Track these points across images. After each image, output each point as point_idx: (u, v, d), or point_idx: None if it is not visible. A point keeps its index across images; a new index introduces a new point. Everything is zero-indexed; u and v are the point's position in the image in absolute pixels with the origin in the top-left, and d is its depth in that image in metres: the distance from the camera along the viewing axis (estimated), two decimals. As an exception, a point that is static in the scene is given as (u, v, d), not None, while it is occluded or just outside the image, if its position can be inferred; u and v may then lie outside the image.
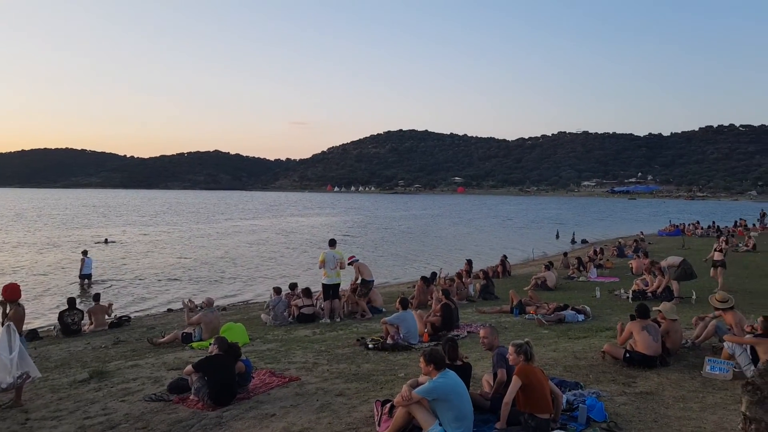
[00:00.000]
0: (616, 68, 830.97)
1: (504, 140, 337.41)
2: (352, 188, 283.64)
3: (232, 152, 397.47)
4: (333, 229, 52.77)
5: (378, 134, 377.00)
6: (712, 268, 16.44)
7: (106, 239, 37.97)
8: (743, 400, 4.69)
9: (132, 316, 15.97)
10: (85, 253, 22.58)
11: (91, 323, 13.88)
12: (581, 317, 11.78)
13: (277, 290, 14.08)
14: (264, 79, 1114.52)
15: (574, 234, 42.36)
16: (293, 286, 15.32)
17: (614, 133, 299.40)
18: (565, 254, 25.28)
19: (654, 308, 8.57)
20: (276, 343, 10.61)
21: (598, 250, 26.02)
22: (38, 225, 54.31)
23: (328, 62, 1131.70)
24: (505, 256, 23.58)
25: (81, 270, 21.93)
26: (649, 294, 14.55)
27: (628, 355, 7.59)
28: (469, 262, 19.75)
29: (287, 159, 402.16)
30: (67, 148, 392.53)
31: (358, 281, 14.05)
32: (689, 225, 43.07)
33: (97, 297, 14.96)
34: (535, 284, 17.37)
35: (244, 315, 15.33)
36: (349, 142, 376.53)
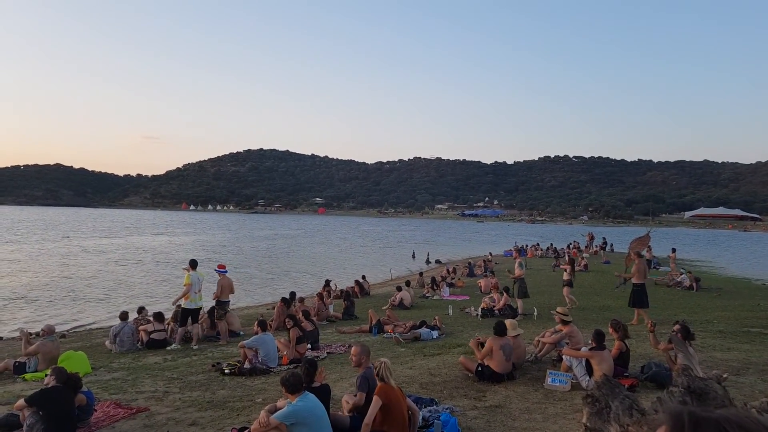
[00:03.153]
0: (465, 99, 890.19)
1: (363, 163, 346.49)
2: (210, 207, 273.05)
3: (76, 166, 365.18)
4: (190, 250, 50.27)
5: (237, 152, 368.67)
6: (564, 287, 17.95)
7: None
8: (584, 412, 5.17)
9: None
10: None
11: None
12: (435, 334, 12.32)
13: (123, 316, 13.07)
14: (113, 87, 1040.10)
15: (428, 254, 44.24)
16: (140, 310, 14.34)
17: (464, 160, 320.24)
18: (421, 274, 26.36)
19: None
20: (122, 372, 9.86)
21: (450, 269, 27.41)
22: None
23: (184, 73, 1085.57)
24: (363, 276, 24.03)
25: None
26: (496, 311, 15.60)
27: (480, 369, 8.06)
28: (327, 283, 19.85)
29: (138, 175, 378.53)
30: None
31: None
32: (530, 247, 46.85)
33: None
34: (393, 304, 17.88)
35: (86, 342, 14.00)
36: (206, 159, 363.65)
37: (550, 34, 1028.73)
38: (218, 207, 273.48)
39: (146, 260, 39.96)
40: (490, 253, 39.78)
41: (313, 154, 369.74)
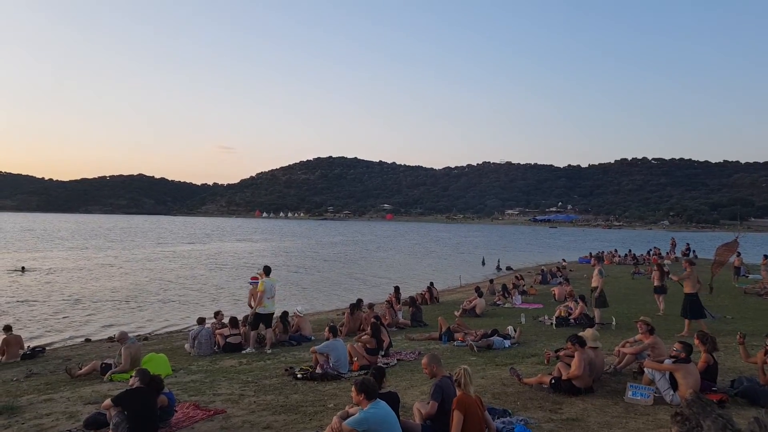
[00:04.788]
0: (536, 101, 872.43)
1: (431, 169, 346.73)
2: (281, 214, 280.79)
3: (157, 176, 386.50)
4: (267, 255, 52.00)
5: (307, 160, 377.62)
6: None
7: (23, 267, 35.52)
8: (673, 431, 4.85)
9: (46, 347, 14.96)
10: None
11: (3, 355, 13.06)
12: (507, 343, 12.02)
13: (201, 320, 13.56)
14: (191, 102, 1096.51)
15: (499, 261, 43.46)
16: (216, 314, 14.88)
17: (536, 164, 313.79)
18: (491, 281, 25.83)
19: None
20: (200, 374, 10.21)
21: (521, 276, 26.77)
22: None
23: (256, 86, 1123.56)
24: (431, 283, 23.84)
25: None
26: (572, 321, 15.04)
27: (553, 381, 7.76)
28: (396, 289, 19.78)
29: (214, 184, 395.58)
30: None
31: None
32: (607, 253, 45.06)
33: (8, 327, 13.95)
34: (464, 310, 17.63)
35: (166, 345, 14.67)
36: (278, 167, 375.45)
37: (625, 32, 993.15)
38: (289, 214, 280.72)
39: (227, 265, 41.74)
40: (564, 260, 38.58)
41: (380, 161, 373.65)
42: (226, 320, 13.92)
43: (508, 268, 40.62)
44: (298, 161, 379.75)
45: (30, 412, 7.72)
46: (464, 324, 14.40)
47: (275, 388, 8.84)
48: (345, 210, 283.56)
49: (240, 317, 14.27)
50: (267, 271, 13.22)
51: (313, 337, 14.21)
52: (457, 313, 16.94)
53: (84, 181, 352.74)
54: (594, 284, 15.14)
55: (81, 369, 10.79)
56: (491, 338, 12.08)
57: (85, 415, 7.21)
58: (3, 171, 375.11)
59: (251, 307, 13.57)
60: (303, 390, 8.70)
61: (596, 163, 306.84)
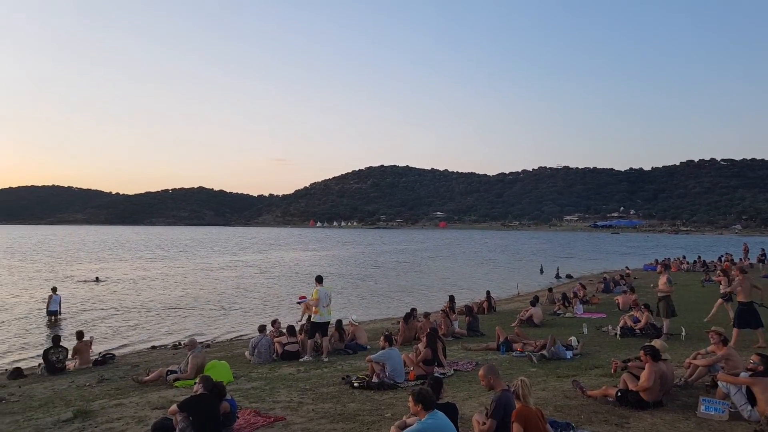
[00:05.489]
0: (595, 103, 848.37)
1: (485, 175, 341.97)
2: (335, 223, 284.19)
3: (216, 188, 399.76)
4: (320, 265, 52.75)
5: (360, 170, 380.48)
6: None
7: (97, 277, 37.31)
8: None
9: (116, 353, 15.62)
10: (54, 290, 22.68)
11: (76, 361, 13.66)
12: (570, 354, 11.65)
13: (261, 328, 13.84)
14: (245, 116, 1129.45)
15: (558, 269, 42.36)
16: (274, 322, 15.11)
17: (595, 168, 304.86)
18: (551, 290, 25.19)
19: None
20: (260, 382, 10.38)
21: (583, 285, 25.97)
22: (26, 263, 53.75)
23: (308, 98, 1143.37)
24: (489, 292, 23.46)
25: (48, 306, 21.80)
26: (638, 331, 14.44)
27: (620, 393, 7.45)
28: (451, 298, 19.53)
29: (270, 195, 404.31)
30: (54, 185, 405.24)
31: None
32: (674, 260, 43.27)
33: (80, 334, 14.57)
34: (521, 321, 17.24)
35: (227, 352, 15.02)
36: (331, 177, 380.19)
37: (694, 28, 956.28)
38: (343, 223, 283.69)
39: (289, 273, 43.01)
40: (627, 267, 37.24)
41: (432, 168, 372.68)
42: (283, 328, 14.15)
43: (568, 276, 39.60)
44: (350, 171, 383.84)
45: (102, 416, 8.02)
46: (523, 334, 14.07)
47: (333, 396, 8.88)
48: (398, 218, 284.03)
49: (297, 326, 14.47)
50: (319, 279, 13.34)
51: (368, 346, 14.22)
52: (514, 324, 16.55)
53: (148, 194, 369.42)
54: (661, 293, 14.51)
55: (148, 375, 11.17)
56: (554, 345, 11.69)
57: (153, 420, 7.43)
58: (74, 186, 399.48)
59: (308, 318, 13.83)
60: (360, 399, 8.70)
61: (660, 166, 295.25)
